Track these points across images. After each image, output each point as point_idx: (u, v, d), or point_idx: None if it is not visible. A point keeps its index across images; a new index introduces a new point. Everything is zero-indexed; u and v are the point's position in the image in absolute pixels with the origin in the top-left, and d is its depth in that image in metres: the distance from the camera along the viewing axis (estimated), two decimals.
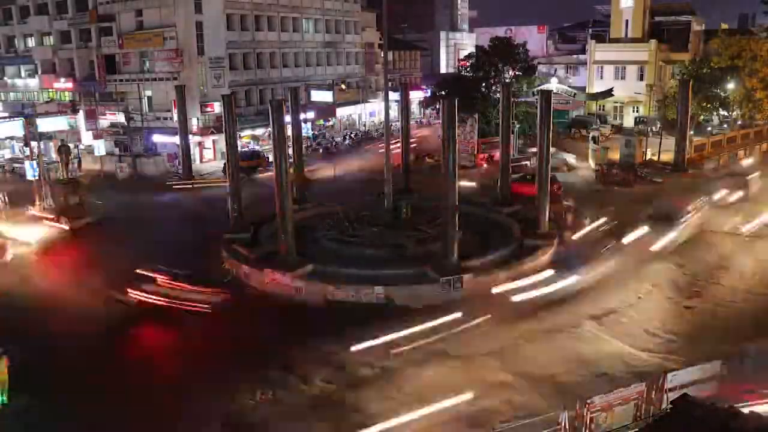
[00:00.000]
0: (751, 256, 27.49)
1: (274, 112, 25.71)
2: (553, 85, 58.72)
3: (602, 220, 31.15)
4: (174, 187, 43.25)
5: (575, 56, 75.90)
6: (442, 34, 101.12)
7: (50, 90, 62.61)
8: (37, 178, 36.57)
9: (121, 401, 17.19)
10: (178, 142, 47.15)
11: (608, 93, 63.20)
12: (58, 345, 20.43)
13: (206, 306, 21.95)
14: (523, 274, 24.92)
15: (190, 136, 48.90)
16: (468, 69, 59.81)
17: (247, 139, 55.61)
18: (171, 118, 51.41)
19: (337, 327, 20.94)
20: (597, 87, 65.64)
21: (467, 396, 16.83)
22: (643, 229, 29.59)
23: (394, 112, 48.02)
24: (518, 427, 14.62)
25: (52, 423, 16.59)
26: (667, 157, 46.29)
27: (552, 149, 31.81)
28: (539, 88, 52.29)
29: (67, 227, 33.38)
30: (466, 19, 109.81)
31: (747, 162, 45.91)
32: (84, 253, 30.65)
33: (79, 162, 49.85)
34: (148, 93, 55.02)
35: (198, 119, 52.25)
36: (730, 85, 55.51)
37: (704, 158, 47.78)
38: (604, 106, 66.16)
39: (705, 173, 43.88)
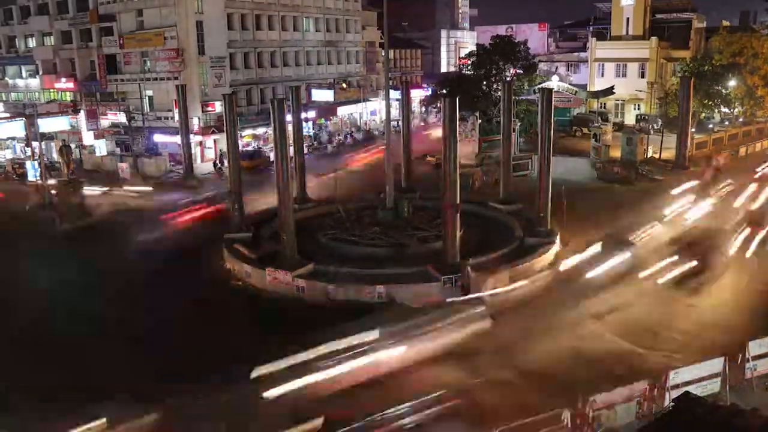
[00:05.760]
0: None
1: (275, 111, 25.68)
2: (554, 83, 58.65)
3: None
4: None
5: (576, 54, 75.82)
6: (443, 33, 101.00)
7: (51, 90, 62.64)
8: (38, 178, 36.68)
9: None
10: (179, 142, 47.19)
11: (609, 91, 63.10)
12: None
13: None
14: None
15: (192, 136, 48.94)
16: (469, 67, 59.75)
17: (248, 138, 55.65)
18: (172, 118, 51.46)
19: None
20: (598, 85, 65.57)
21: None
22: None
23: (395, 111, 48.02)
24: (520, 426, 14.59)
25: None
26: (669, 154, 46.28)
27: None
28: (540, 86, 52.27)
29: None
30: (467, 18, 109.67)
31: None
32: None
33: (80, 162, 50.05)
34: (149, 93, 55.05)
35: (199, 119, 52.26)
36: (732, 83, 55.44)
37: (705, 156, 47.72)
38: (605, 103, 66.07)
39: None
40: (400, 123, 40.50)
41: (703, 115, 58.86)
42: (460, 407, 16.15)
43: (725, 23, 71.93)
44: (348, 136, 63.51)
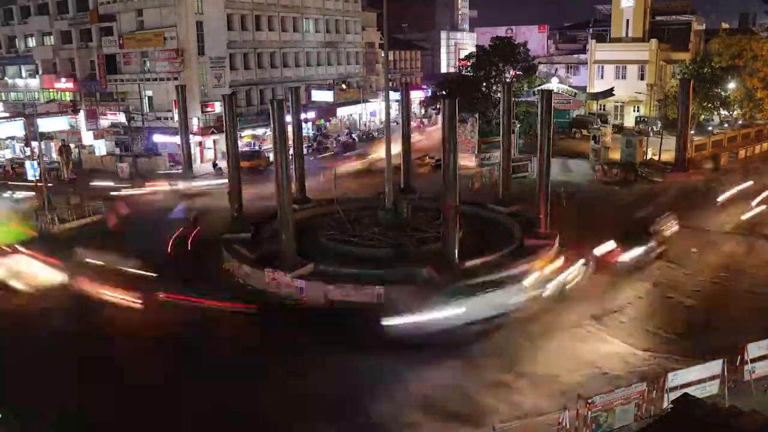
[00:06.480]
0: None
1: (274, 111, 25.64)
2: (553, 84, 58.68)
3: None
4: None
5: (576, 56, 75.85)
6: (443, 34, 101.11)
7: (51, 90, 62.67)
8: (37, 178, 36.60)
9: None
10: (178, 142, 47.19)
11: (609, 92, 63.17)
12: None
13: None
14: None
15: (191, 136, 48.93)
16: (468, 69, 59.78)
17: (248, 139, 55.64)
18: (172, 118, 51.48)
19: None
20: (598, 86, 65.62)
21: None
22: None
23: (395, 111, 48.04)
24: (518, 427, 14.59)
25: None
26: (668, 156, 46.28)
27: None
28: (540, 87, 52.30)
29: None
30: (467, 19, 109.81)
31: None
32: None
33: (80, 162, 50.03)
34: (149, 93, 55.07)
35: (198, 119, 52.29)
36: (731, 85, 55.51)
37: (705, 158, 47.77)
38: (604, 105, 66.13)
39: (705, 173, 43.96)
40: (399, 123, 40.54)
41: (703, 117, 58.91)
42: None
43: (724, 25, 72.06)
44: (348, 136, 63.44)
